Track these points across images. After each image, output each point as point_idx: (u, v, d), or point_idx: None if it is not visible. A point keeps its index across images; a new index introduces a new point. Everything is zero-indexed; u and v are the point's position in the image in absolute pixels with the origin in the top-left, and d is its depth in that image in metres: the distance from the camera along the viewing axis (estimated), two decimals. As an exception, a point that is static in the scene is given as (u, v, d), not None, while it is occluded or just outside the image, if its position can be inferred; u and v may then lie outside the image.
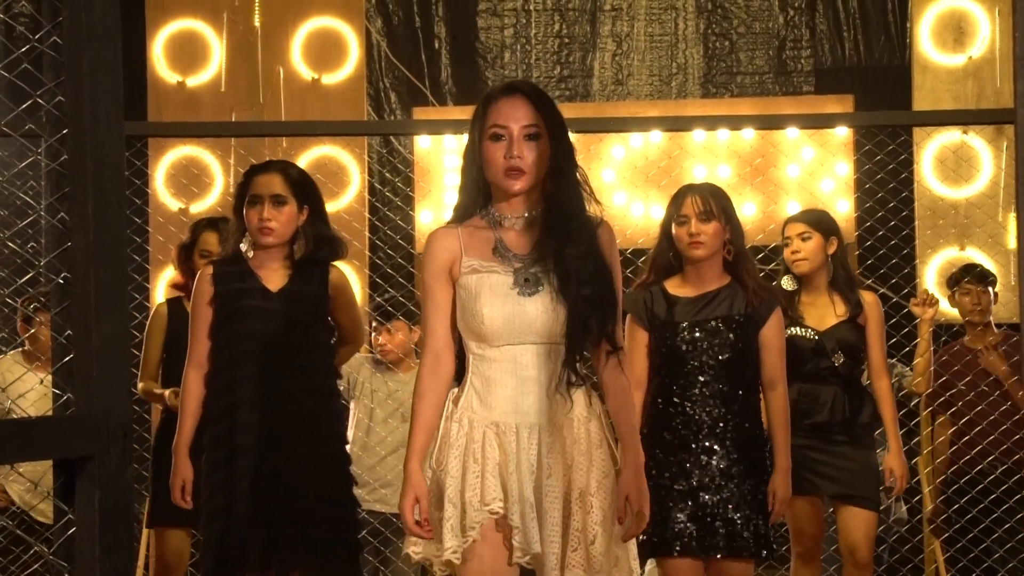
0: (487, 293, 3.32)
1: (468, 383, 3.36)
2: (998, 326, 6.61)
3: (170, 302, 5.40)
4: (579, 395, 3.36)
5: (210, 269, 4.43)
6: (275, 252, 4.40)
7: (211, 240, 5.20)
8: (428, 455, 3.34)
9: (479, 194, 3.42)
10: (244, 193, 4.41)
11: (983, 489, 6.13)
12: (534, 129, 3.34)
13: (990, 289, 6.30)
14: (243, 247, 4.41)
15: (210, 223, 5.35)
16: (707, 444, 4.33)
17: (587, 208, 3.40)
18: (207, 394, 4.35)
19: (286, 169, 4.45)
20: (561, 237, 3.33)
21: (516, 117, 3.34)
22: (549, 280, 3.32)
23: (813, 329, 5.11)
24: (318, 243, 4.42)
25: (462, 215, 3.43)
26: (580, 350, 3.34)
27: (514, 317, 3.31)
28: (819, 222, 5.23)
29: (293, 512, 4.24)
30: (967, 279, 6.33)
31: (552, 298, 3.31)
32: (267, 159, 4.75)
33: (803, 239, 5.18)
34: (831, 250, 5.19)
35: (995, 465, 6.14)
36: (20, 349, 6.20)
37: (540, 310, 3.31)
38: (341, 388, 5.89)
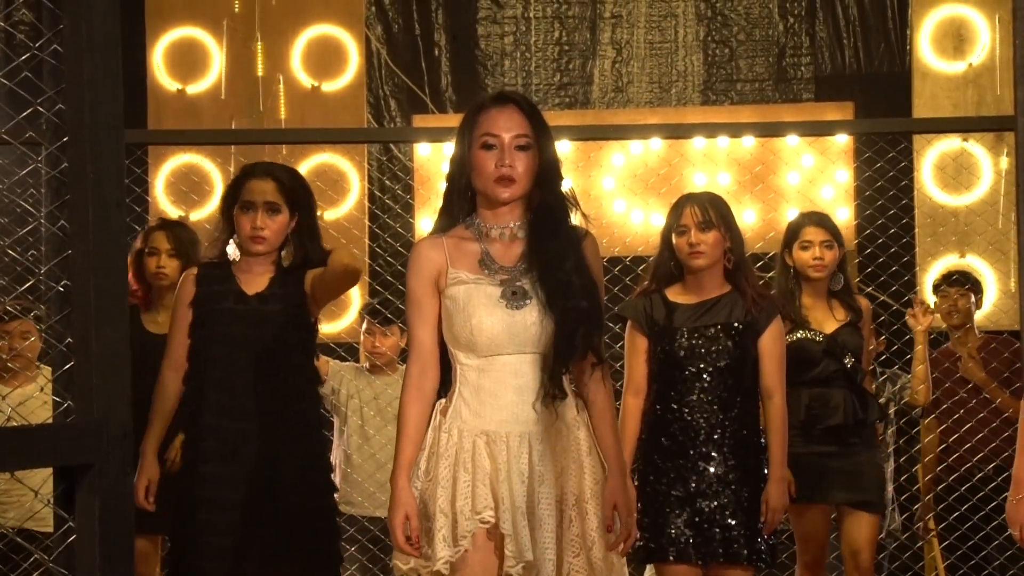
0: (475, 304, 3.32)
1: (456, 393, 3.36)
2: (999, 332, 6.61)
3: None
4: (567, 404, 3.36)
5: (195, 270, 4.41)
6: (262, 258, 4.35)
7: (157, 238, 5.26)
8: (416, 467, 3.34)
9: (464, 203, 3.43)
10: (236, 196, 4.34)
11: (975, 491, 6.14)
12: (525, 140, 3.36)
13: (970, 294, 6.32)
14: (229, 250, 4.36)
15: (162, 223, 5.44)
16: (705, 450, 4.33)
17: (573, 219, 3.42)
18: (182, 397, 4.31)
19: (280, 175, 4.36)
20: (548, 250, 3.34)
21: (508, 126, 3.35)
22: (536, 293, 3.33)
23: (818, 331, 5.11)
24: (306, 255, 4.35)
25: (446, 224, 3.44)
26: (566, 364, 3.34)
27: (502, 328, 3.31)
28: (837, 232, 5.24)
29: (263, 518, 4.15)
30: (945, 283, 6.36)
31: (539, 311, 3.31)
32: (260, 161, 4.68)
33: (827, 247, 5.17)
34: (839, 257, 5.21)
35: (986, 465, 6.15)
36: None
37: (528, 322, 3.31)
38: (326, 398, 5.91)
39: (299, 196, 4.35)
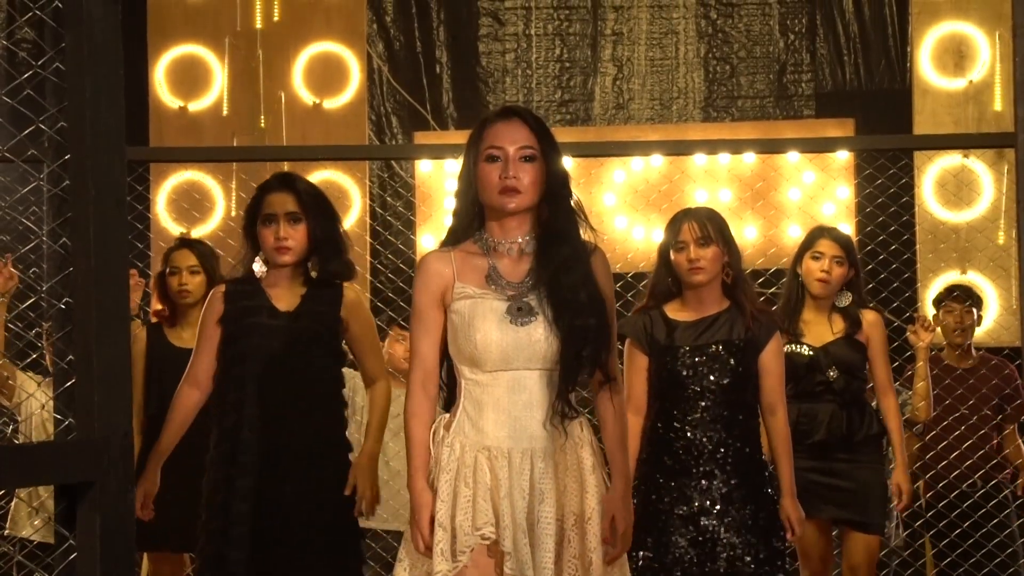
0: (480, 319, 3.31)
1: (460, 408, 3.35)
2: (1000, 349, 6.60)
3: (149, 328, 5.37)
4: (573, 422, 3.35)
5: (223, 288, 4.39)
6: (290, 271, 4.34)
7: (178, 257, 5.25)
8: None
9: (473, 218, 3.41)
10: (256, 213, 4.35)
11: (977, 508, 6.13)
12: (530, 151, 3.34)
13: (974, 310, 6.28)
14: (255, 267, 4.36)
15: (182, 242, 5.42)
16: (707, 469, 4.31)
17: (582, 234, 3.40)
18: (215, 414, 4.29)
19: (298, 185, 4.36)
20: (555, 266, 3.33)
21: (512, 139, 3.34)
22: (543, 309, 3.32)
23: (809, 345, 5.09)
24: (329, 262, 4.35)
25: (455, 239, 3.43)
26: (573, 381, 3.33)
27: (507, 344, 3.30)
28: (852, 251, 5.21)
29: (289, 535, 4.16)
30: (950, 299, 6.31)
31: (546, 327, 3.30)
32: (274, 173, 4.69)
33: (837, 263, 5.15)
34: (848, 277, 5.19)
35: (987, 483, 6.15)
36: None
37: (534, 338, 3.30)
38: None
39: (318, 204, 4.35)
